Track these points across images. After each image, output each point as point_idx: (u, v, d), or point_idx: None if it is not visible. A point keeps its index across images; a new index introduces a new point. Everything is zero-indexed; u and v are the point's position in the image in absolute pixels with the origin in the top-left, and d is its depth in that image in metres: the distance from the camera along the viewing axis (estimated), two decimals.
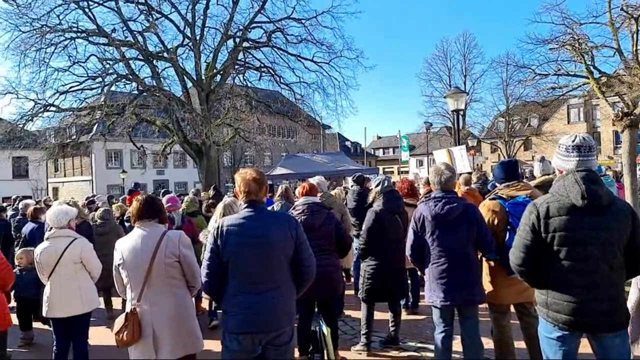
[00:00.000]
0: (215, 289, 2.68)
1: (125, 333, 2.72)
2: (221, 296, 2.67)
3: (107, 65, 17.44)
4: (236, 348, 2.57)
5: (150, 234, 2.84)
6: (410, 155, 44.68)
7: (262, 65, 20.30)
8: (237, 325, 2.57)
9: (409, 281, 5.65)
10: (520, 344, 3.54)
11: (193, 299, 3.13)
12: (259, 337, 2.58)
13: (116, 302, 6.26)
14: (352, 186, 6.88)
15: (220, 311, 3.09)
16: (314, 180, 5.42)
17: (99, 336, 5.02)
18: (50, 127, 21.28)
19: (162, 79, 18.46)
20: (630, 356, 2.38)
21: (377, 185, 4.54)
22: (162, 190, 10.99)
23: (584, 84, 11.62)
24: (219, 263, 2.61)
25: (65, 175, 37.50)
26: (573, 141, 2.41)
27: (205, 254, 2.66)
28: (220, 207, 3.29)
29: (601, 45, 8.01)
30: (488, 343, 3.55)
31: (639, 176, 6.84)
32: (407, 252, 3.54)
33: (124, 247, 2.84)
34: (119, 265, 2.84)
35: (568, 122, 38.82)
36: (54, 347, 3.89)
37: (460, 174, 6.68)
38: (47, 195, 26.62)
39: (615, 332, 2.32)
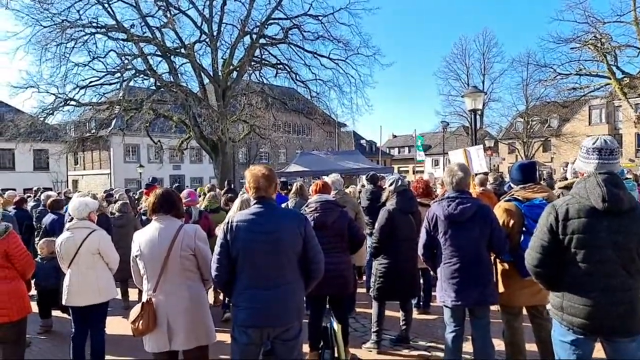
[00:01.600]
0: (224, 283, 2.74)
1: (140, 322, 2.78)
2: (231, 290, 2.72)
3: (126, 61, 17.75)
4: (245, 341, 2.63)
5: (167, 227, 2.90)
6: (426, 155, 44.27)
7: (278, 62, 20.39)
8: (245, 319, 2.62)
9: (421, 281, 5.64)
10: (531, 347, 3.51)
11: (211, 291, 3.18)
12: (267, 330, 2.63)
13: (133, 293, 6.40)
14: (365, 185, 6.89)
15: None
16: (330, 178, 5.44)
17: (116, 325, 5.14)
18: (70, 121, 21.76)
19: (179, 74, 18.71)
20: None
21: (390, 185, 4.54)
22: (175, 185, 11.14)
23: (606, 85, 11.36)
24: (228, 258, 2.66)
25: (84, 169, 38.27)
26: (594, 143, 2.38)
27: (215, 249, 2.71)
28: (237, 202, 3.34)
29: (625, 45, 7.82)
30: (499, 344, 3.53)
31: None
32: (420, 251, 3.54)
33: (141, 239, 2.91)
34: (136, 256, 2.91)
35: (589, 124, 38.01)
36: (72, 335, 3.99)
37: (477, 175, 6.61)
38: (67, 187, 27.22)
39: (630, 337, 2.29)
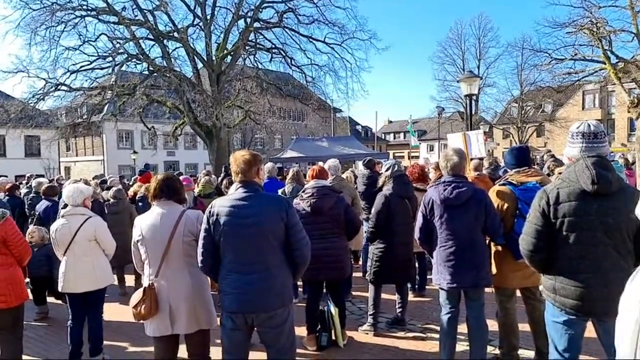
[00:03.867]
0: (209, 268, 2.73)
1: (142, 307, 2.80)
2: (217, 275, 2.72)
3: (118, 45, 17.46)
4: (231, 326, 2.64)
5: (169, 212, 2.91)
6: (421, 140, 44.31)
7: (273, 46, 20.17)
8: (229, 305, 2.63)
9: (416, 264, 5.70)
10: (523, 327, 3.59)
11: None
12: (250, 317, 2.62)
13: (129, 280, 6.42)
14: (362, 170, 6.90)
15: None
16: (328, 163, 5.43)
17: (113, 312, 5.17)
18: (61, 106, 21.48)
19: (172, 59, 18.46)
20: None
21: (387, 170, 4.55)
22: (177, 173, 11.10)
23: (600, 70, 11.37)
24: (212, 243, 2.65)
25: (77, 155, 37.94)
26: (577, 128, 2.43)
27: (200, 234, 2.71)
28: (234, 187, 3.33)
29: (619, 29, 7.81)
30: (493, 325, 3.60)
31: None
32: (416, 235, 3.57)
33: (143, 224, 2.91)
34: (137, 241, 2.92)
35: (583, 109, 38.14)
36: (70, 322, 4.01)
37: (472, 160, 6.64)
38: (60, 174, 27.00)
39: None
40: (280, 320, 2.67)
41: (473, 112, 12.29)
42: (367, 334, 4.46)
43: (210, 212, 2.67)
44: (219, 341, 3.72)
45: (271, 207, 2.66)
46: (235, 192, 2.71)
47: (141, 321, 2.94)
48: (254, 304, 2.60)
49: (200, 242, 2.70)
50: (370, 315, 4.52)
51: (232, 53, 19.09)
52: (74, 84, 17.95)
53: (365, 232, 6.21)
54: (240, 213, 2.62)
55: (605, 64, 7.55)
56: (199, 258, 2.71)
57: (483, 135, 7.24)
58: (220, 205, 2.67)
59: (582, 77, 13.52)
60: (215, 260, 2.69)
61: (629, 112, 30.26)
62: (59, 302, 5.43)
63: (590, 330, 2.48)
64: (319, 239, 3.82)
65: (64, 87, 17.65)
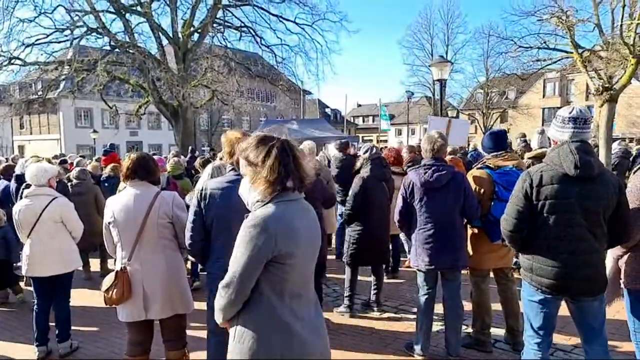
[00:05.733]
0: (199, 251, 2.67)
1: (114, 291, 2.69)
2: (206, 258, 2.66)
3: (76, 17, 16.46)
4: None
5: (143, 193, 2.78)
6: (390, 124, 44.69)
7: (242, 24, 19.61)
8: None
9: (390, 246, 5.78)
10: (496, 307, 3.71)
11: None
12: None
13: (94, 264, 6.19)
14: (335, 153, 6.86)
15: (204, 273, 3.10)
16: (305, 146, 5.35)
17: (79, 297, 4.98)
18: (14, 81, 20.23)
19: (135, 34, 17.58)
20: (605, 318, 2.51)
21: (365, 152, 4.54)
22: (153, 153, 10.71)
23: (563, 58, 11.75)
24: (202, 225, 2.59)
25: (31, 133, 35.97)
26: (570, 113, 2.44)
27: (189, 217, 2.63)
28: (209, 168, 3.21)
29: (585, 19, 8.07)
30: (467, 305, 3.69)
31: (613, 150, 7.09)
32: (396, 217, 3.59)
33: (115, 205, 2.77)
34: (109, 223, 2.78)
35: (543, 96, 39.54)
36: (35, 307, 3.82)
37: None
38: (14, 153, 25.58)
39: (594, 296, 2.45)
40: None
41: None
42: (343, 315, 4.49)
43: (202, 194, 2.58)
44: (194, 324, 3.68)
45: None
46: (228, 175, 2.63)
47: (113, 306, 2.82)
48: None
49: (190, 224, 2.60)
50: (346, 297, 4.55)
51: (199, 30, 18.40)
52: (28, 58, 16.84)
53: (340, 215, 6.23)
54: (235, 196, 2.54)
55: (572, 52, 7.83)
56: (188, 241, 2.62)
57: (469, 126, 7.36)
58: (213, 188, 2.58)
59: (546, 65, 13.91)
60: (204, 243, 2.62)
61: (587, 100, 31.61)
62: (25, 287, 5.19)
63: (563, 307, 2.58)
64: None
65: (17, 61, 16.55)
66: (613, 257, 2.76)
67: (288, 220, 1.70)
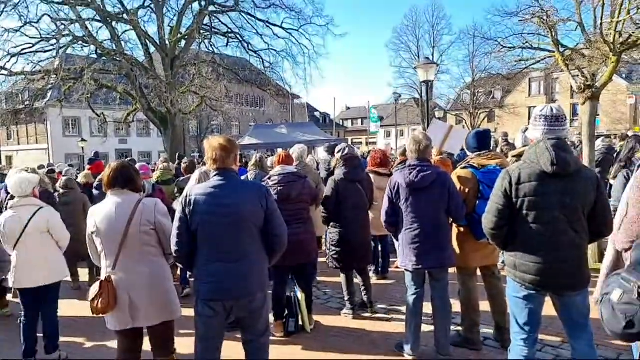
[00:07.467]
0: (185, 258, 2.67)
1: (100, 301, 2.67)
2: (192, 264, 2.67)
3: (62, 26, 16.35)
4: (209, 314, 2.60)
5: (125, 201, 2.76)
6: (379, 126, 44.91)
7: (229, 30, 19.65)
8: (208, 293, 2.59)
9: (379, 247, 5.81)
10: (483, 305, 3.74)
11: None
12: (229, 303, 2.61)
13: (82, 274, 6.13)
14: (324, 156, 6.90)
15: (193, 279, 3.10)
16: (295, 149, 5.37)
17: (67, 307, 4.92)
18: (1, 92, 20.00)
19: (122, 42, 17.52)
20: (589, 312, 2.55)
21: (338, 152, 4.56)
22: (129, 159, 10.64)
23: (546, 58, 11.91)
24: (188, 232, 2.59)
25: (19, 144, 35.58)
26: (541, 111, 2.53)
27: (175, 223, 2.64)
28: (196, 174, 3.21)
29: (566, 18, 8.21)
30: (455, 304, 3.73)
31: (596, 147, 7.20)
32: (382, 218, 3.62)
33: (97, 215, 2.76)
34: (92, 232, 2.77)
35: (529, 95, 39.96)
36: (22, 319, 3.78)
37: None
38: (1, 163, 25.27)
39: (577, 291, 2.49)
40: (259, 305, 2.68)
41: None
42: (347, 316, 4.52)
43: (186, 200, 2.59)
44: (183, 331, 3.67)
45: (251, 194, 2.63)
46: (212, 180, 2.63)
47: (100, 316, 2.81)
48: (236, 290, 2.59)
49: (175, 231, 2.61)
50: (347, 300, 4.58)
51: (186, 37, 18.38)
52: (14, 68, 16.74)
53: None
54: (220, 202, 2.56)
55: (554, 51, 7.93)
56: (174, 248, 2.62)
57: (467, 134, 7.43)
58: (197, 194, 2.58)
59: (530, 65, 14.08)
60: (190, 249, 2.62)
61: (572, 98, 32.01)
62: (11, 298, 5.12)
63: (547, 302, 2.61)
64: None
65: (3, 72, 16.42)
66: (617, 250, 2.73)
67: None
